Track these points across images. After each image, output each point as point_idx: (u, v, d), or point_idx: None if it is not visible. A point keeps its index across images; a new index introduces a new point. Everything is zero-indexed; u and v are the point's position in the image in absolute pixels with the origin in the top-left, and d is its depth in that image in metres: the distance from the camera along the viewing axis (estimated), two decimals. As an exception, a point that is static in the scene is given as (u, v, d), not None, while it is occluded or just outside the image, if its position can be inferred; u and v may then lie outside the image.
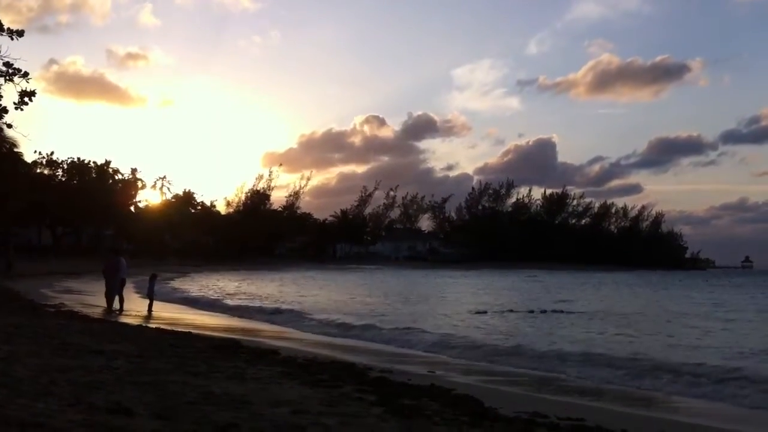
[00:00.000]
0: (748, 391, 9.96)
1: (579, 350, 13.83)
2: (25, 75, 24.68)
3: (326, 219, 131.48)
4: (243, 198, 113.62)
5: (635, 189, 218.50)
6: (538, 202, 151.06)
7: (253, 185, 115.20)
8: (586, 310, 26.04)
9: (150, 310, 20.35)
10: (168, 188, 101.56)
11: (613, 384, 10.90)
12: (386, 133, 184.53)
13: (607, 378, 11.28)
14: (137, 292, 26.73)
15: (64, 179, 79.92)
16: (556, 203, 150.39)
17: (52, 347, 9.80)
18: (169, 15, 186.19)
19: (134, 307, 21.13)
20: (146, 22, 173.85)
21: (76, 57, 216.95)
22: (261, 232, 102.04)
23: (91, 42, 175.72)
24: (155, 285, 21.96)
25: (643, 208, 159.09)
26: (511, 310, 25.16)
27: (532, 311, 24.90)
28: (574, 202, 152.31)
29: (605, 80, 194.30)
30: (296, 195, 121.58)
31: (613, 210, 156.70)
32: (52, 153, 78.84)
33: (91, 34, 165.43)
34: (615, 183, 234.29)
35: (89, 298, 22.51)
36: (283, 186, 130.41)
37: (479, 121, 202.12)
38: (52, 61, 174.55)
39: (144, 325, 16.17)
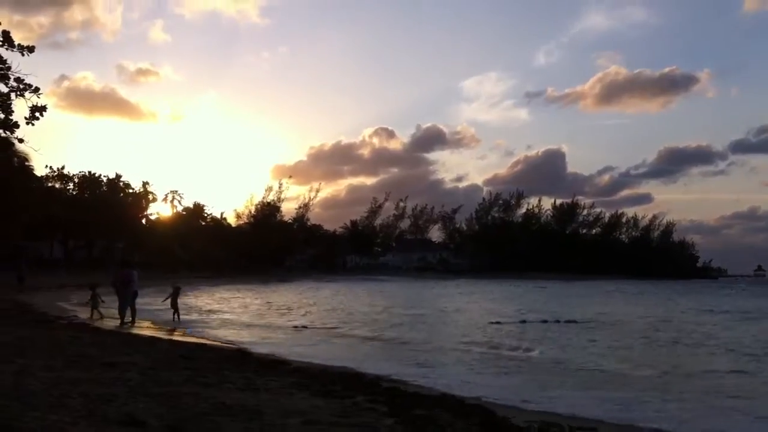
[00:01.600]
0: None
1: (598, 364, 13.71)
2: (36, 90, 24.96)
3: (336, 230, 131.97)
4: (253, 210, 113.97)
5: (645, 199, 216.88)
6: (548, 212, 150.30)
7: (263, 197, 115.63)
8: (599, 321, 25.97)
9: (176, 315, 21.70)
10: (179, 201, 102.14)
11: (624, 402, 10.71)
12: (395, 145, 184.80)
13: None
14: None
15: (75, 193, 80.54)
16: (566, 213, 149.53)
17: (64, 360, 9.86)
18: (179, 31, 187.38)
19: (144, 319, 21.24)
20: (156, 39, 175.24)
21: (86, 73, 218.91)
22: (271, 244, 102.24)
23: (102, 58, 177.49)
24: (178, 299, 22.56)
25: (654, 217, 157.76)
26: (524, 321, 25.10)
27: (545, 321, 24.86)
28: (585, 212, 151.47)
29: (613, 92, 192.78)
30: (306, 207, 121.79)
31: (624, 220, 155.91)
32: (63, 167, 79.71)
33: (101, 50, 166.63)
34: (625, 193, 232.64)
35: (102, 311, 22.54)
36: (292, 198, 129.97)
37: (488, 132, 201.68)
38: (63, 77, 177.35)
39: (156, 336, 16.21)
